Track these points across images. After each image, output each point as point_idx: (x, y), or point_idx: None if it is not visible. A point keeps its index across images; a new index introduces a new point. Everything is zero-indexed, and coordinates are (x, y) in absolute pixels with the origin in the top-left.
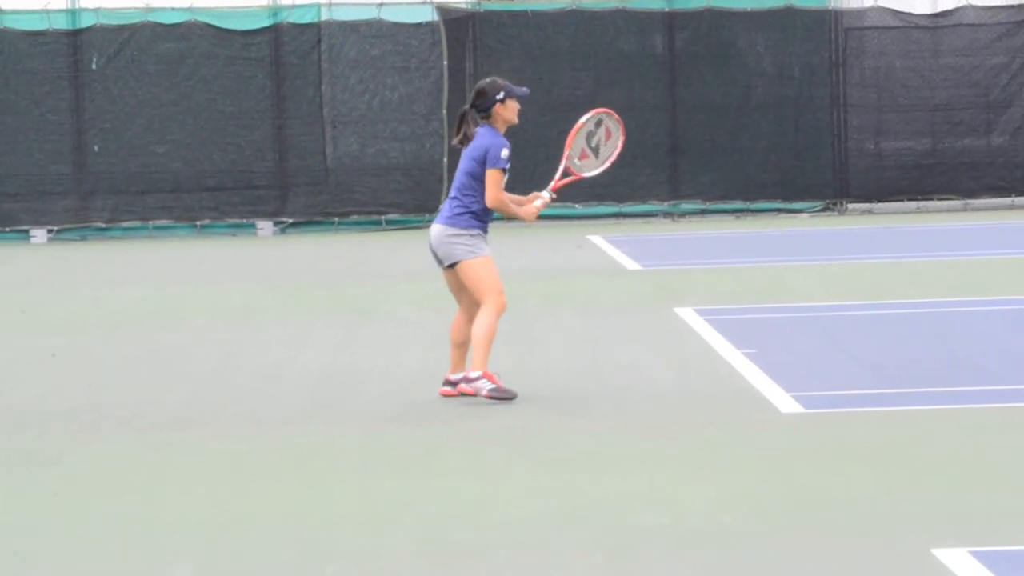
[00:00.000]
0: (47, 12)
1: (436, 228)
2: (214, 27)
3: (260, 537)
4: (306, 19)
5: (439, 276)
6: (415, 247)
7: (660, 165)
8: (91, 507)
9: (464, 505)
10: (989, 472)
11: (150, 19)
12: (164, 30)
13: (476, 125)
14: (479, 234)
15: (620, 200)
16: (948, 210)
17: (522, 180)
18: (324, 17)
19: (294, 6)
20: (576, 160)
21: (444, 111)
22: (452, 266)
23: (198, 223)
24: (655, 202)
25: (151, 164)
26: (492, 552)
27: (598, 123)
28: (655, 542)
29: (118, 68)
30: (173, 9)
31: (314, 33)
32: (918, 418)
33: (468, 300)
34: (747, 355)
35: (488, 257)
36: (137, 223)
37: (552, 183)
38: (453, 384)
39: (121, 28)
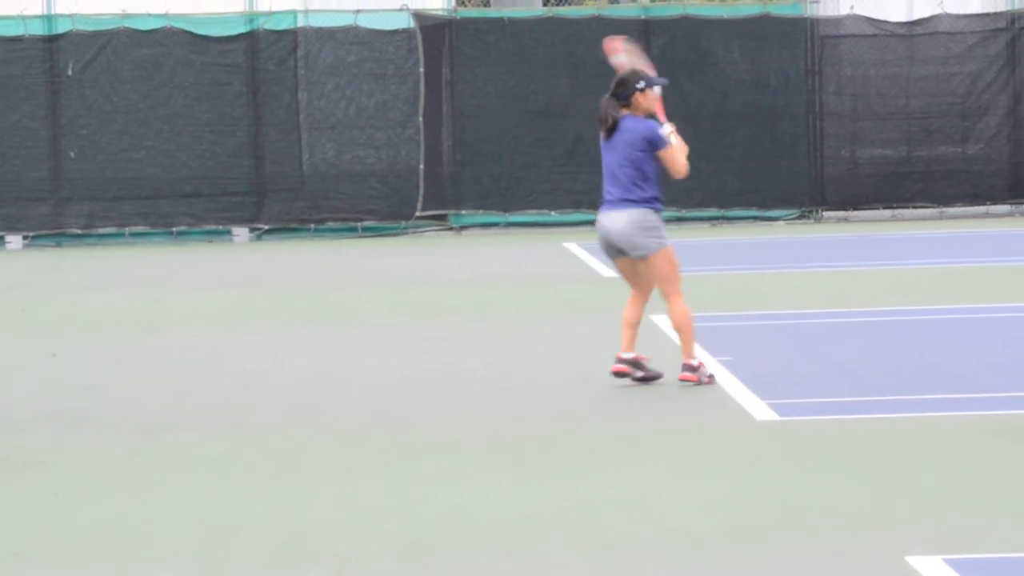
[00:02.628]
0: (23, 18)
1: (618, 222)
2: (190, 33)
3: (242, 541)
4: (282, 26)
5: (416, 284)
6: (392, 253)
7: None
8: (73, 510)
9: (446, 511)
10: (964, 480)
11: (126, 25)
12: (140, 36)
13: (619, 114)
14: (662, 221)
15: (596, 207)
16: (923, 218)
17: (504, 186)
18: (300, 24)
19: (270, 13)
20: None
21: (420, 118)
22: (642, 257)
23: (174, 229)
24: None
25: (127, 170)
26: (474, 558)
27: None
28: (635, 548)
29: (94, 74)
30: (149, 15)
31: (290, 40)
32: (893, 426)
33: (644, 285)
34: (722, 363)
35: (671, 247)
36: (113, 229)
37: (660, 114)
38: (626, 362)
39: (97, 34)
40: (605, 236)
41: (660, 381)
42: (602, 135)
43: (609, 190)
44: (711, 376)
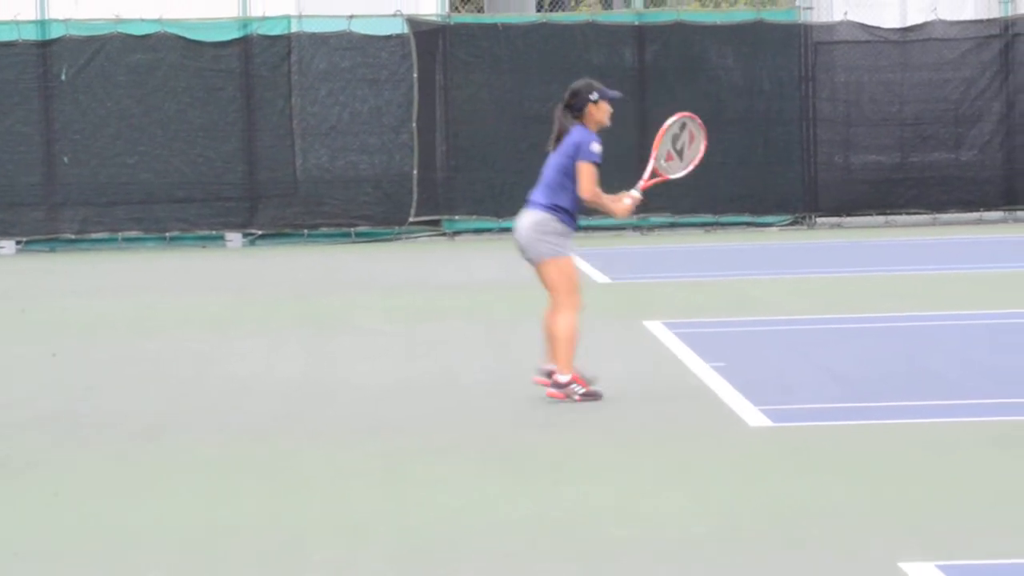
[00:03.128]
0: (16, 23)
1: (524, 223)
2: (184, 38)
3: (235, 545)
4: (276, 31)
5: (409, 289)
6: (385, 259)
7: (629, 179)
8: (63, 515)
9: (436, 516)
10: (957, 486)
11: (120, 30)
12: (134, 41)
13: (570, 124)
14: (567, 231)
15: (589, 213)
16: (917, 224)
17: (497, 192)
18: (294, 29)
19: (264, 18)
20: (663, 162)
21: (414, 123)
22: (533, 261)
23: (167, 235)
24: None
25: (120, 175)
26: (463, 563)
27: (682, 126)
28: (626, 553)
29: (88, 79)
30: (143, 20)
31: (284, 45)
32: (886, 432)
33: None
34: (716, 368)
35: (570, 257)
36: (106, 234)
37: (640, 183)
38: (548, 374)
39: (91, 39)
40: (515, 237)
41: (654, 387)
42: (551, 143)
43: (533, 192)
44: (587, 395)
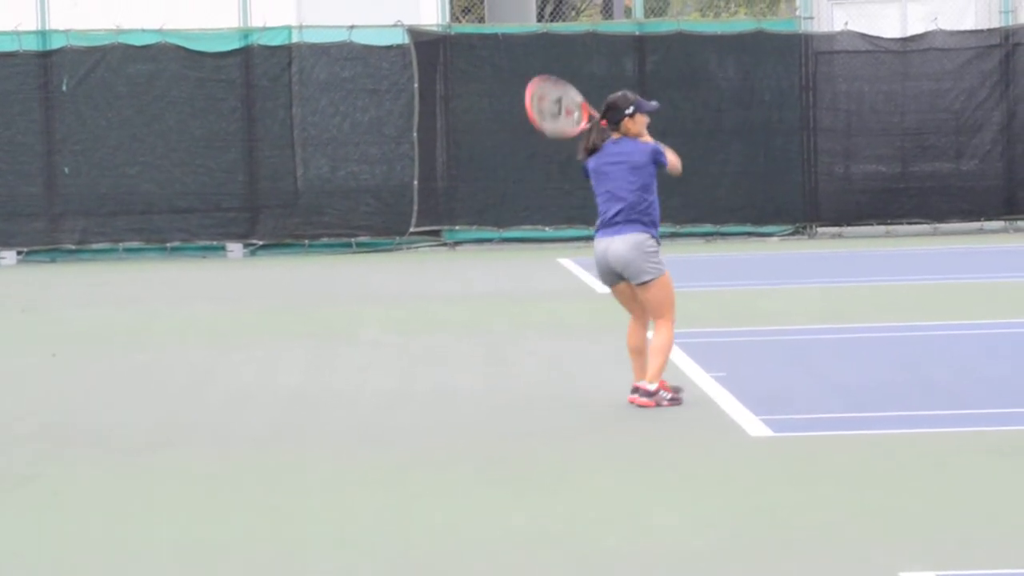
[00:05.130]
0: (17, 33)
1: (621, 247)
2: (185, 49)
3: (230, 558)
4: (277, 41)
5: (409, 300)
6: (386, 270)
7: None
8: (61, 529)
9: (434, 527)
10: (958, 496)
11: (120, 41)
12: (135, 52)
13: (606, 137)
14: (659, 247)
15: (590, 223)
16: (918, 234)
17: (498, 202)
18: (295, 39)
19: (265, 28)
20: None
21: (415, 133)
22: (643, 283)
23: (168, 245)
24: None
25: (121, 186)
26: (461, 574)
27: (557, 100)
28: (624, 565)
29: (88, 90)
30: (144, 31)
31: (285, 55)
32: (887, 442)
33: (642, 310)
34: (716, 378)
35: (668, 273)
36: (107, 245)
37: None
38: (640, 392)
39: (91, 50)
40: (603, 261)
41: None
42: (584, 157)
43: (610, 214)
44: (673, 398)
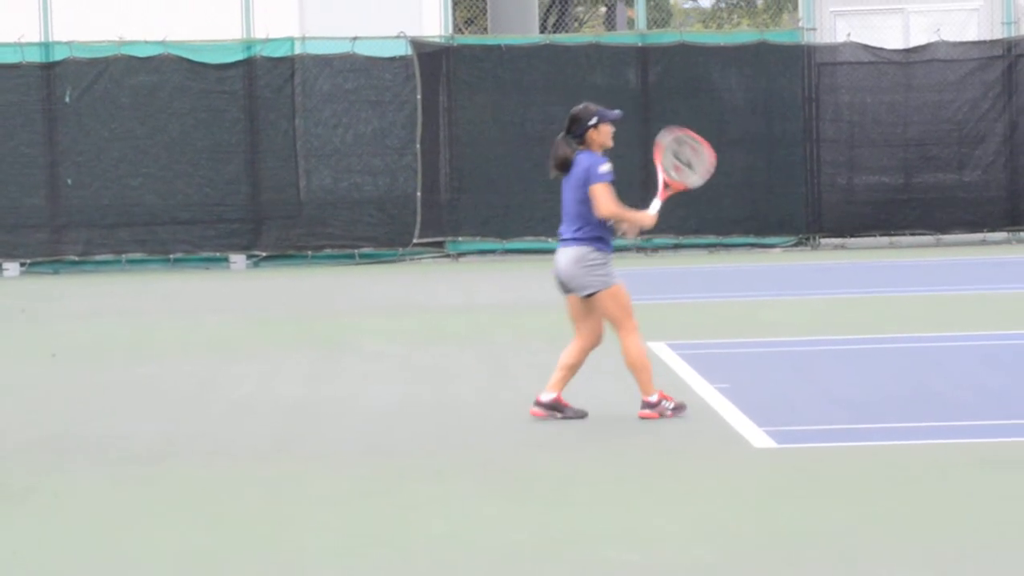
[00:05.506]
0: (20, 45)
1: (562, 260)
2: (188, 60)
3: (233, 569)
4: (280, 53)
5: (412, 311)
6: (389, 281)
7: (632, 199)
8: (62, 539)
9: (435, 538)
10: (961, 507)
11: (123, 52)
12: (138, 63)
13: (573, 151)
14: (607, 257)
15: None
16: (920, 245)
17: (501, 213)
18: (298, 51)
19: (268, 40)
20: (672, 173)
21: (418, 145)
22: (589, 296)
23: (171, 256)
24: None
25: (124, 197)
26: None
27: (680, 143)
28: None
29: (91, 101)
30: (147, 42)
31: (288, 67)
32: (891, 453)
33: (587, 328)
34: (720, 390)
35: (620, 284)
36: (110, 256)
37: (658, 195)
38: (544, 405)
39: (94, 61)
40: (555, 274)
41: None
42: (555, 173)
43: (561, 228)
44: (675, 408)
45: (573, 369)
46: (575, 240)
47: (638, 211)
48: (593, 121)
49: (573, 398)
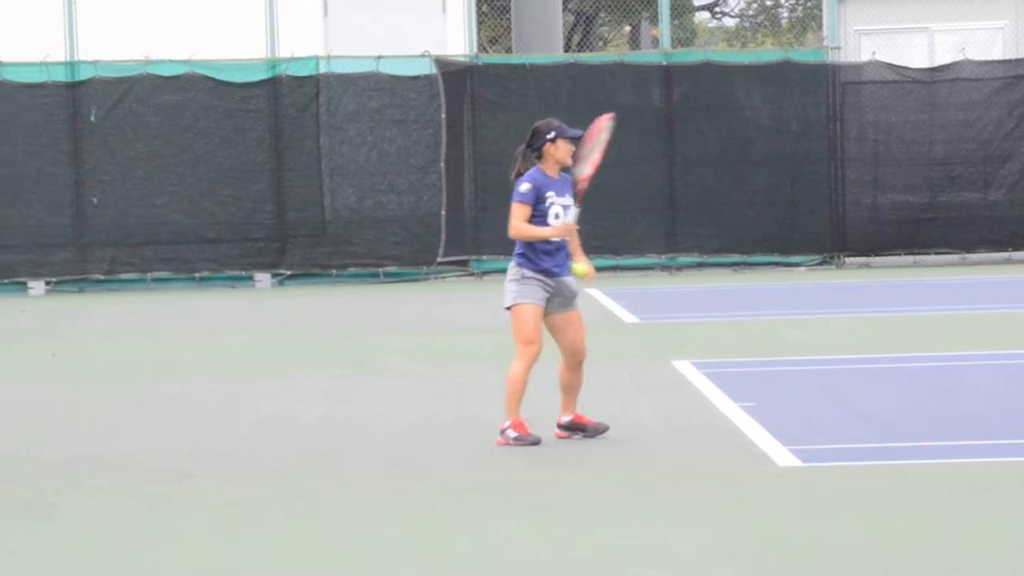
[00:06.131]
0: (46, 64)
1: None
2: (213, 79)
3: None
4: (305, 72)
5: (436, 329)
6: (413, 300)
7: (657, 218)
8: (85, 558)
9: (459, 557)
10: (986, 527)
11: (149, 71)
12: (163, 82)
13: (530, 165)
14: (525, 276)
15: (618, 253)
16: (945, 264)
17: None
18: (323, 70)
19: (293, 59)
20: (574, 169)
21: (442, 163)
22: (507, 309)
23: (196, 275)
24: (652, 255)
25: (149, 216)
26: None
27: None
28: None
29: (117, 120)
30: (172, 61)
31: (312, 85)
32: (916, 472)
33: (563, 344)
34: (745, 408)
35: (529, 305)
36: (135, 275)
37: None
38: (563, 427)
39: (120, 80)
40: None
41: (682, 427)
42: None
43: None
44: (518, 439)
45: (572, 388)
46: (513, 254)
47: (546, 227)
48: (551, 135)
49: (602, 416)
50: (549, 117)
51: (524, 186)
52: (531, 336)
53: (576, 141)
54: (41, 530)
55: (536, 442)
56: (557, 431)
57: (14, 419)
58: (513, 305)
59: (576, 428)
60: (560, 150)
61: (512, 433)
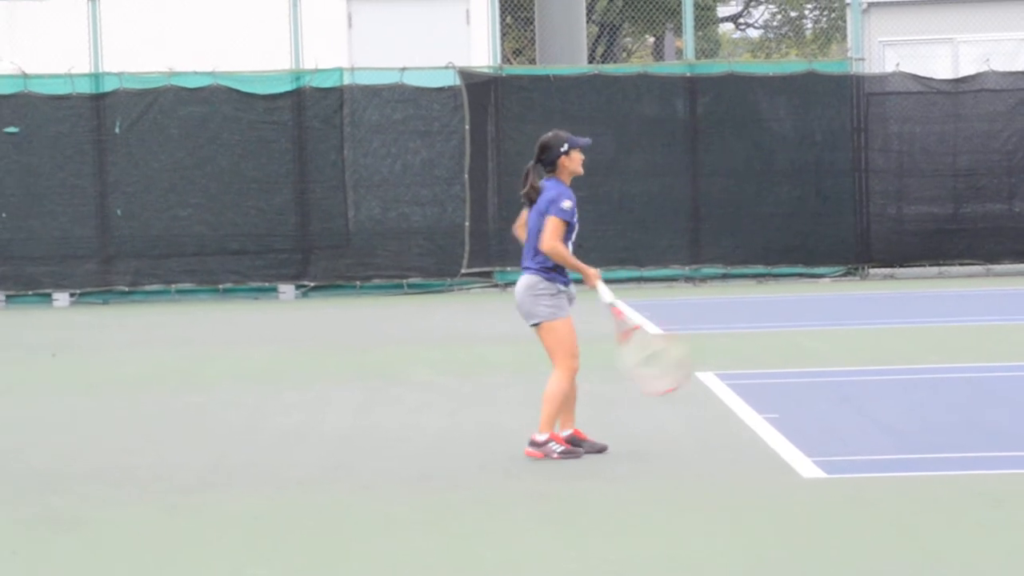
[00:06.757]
0: (71, 76)
1: (519, 287)
2: (237, 91)
3: None
4: (328, 83)
5: (460, 341)
6: (437, 311)
7: (681, 229)
8: (113, 571)
9: (486, 569)
10: (1011, 539)
11: (173, 83)
12: (187, 94)
13: (541, 179)
14: (561, 291)
15: (641, 264)
16: (970, 275)
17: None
18: (346, 81)
19: (316, 70)
20: (626, 328)
21: (466, 175)
22: (535, 325)
23: (220, 287)
24: (676, 267)
25: (174, 228)
26: None
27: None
28: None
29: (141, 132)
30: (196, 73)
31: (336, 97)
32: (940, 484)
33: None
34: (769, 420)
35: (567, 319)
36: (159, 286)
37: (619, 311)
38: (568, 440)
39: (144, 92)
40: (516, 301)
41: (706, 438)
42: (525, 201)
43: (523, 255)
44: (563, 453)
45: (569, 399)
46: (530, 269)
47: (588, 268)
48: (564, 148)
49: (627, 428)
50: (555, 130)
51: (566, 203)
52: (576, 350)
53: (584, 150)
54: (65, 541)
55: (579, 456)
56: (529, 449)
57: (43, 432)
58: (551, 320)
59: (575, 443)
60: (574, 161)
61: (557, 447)
